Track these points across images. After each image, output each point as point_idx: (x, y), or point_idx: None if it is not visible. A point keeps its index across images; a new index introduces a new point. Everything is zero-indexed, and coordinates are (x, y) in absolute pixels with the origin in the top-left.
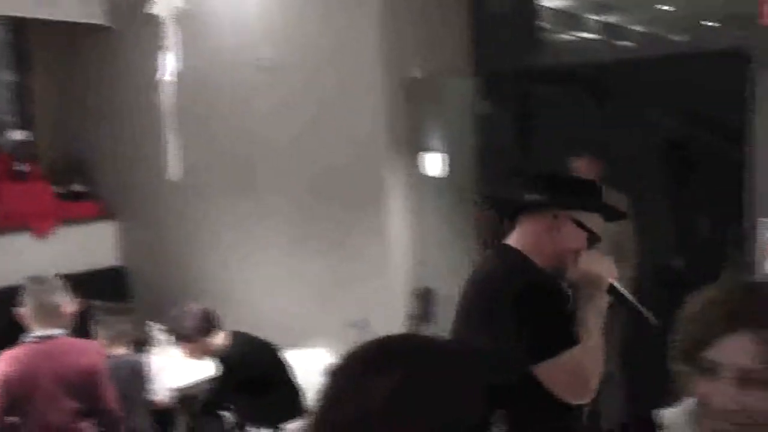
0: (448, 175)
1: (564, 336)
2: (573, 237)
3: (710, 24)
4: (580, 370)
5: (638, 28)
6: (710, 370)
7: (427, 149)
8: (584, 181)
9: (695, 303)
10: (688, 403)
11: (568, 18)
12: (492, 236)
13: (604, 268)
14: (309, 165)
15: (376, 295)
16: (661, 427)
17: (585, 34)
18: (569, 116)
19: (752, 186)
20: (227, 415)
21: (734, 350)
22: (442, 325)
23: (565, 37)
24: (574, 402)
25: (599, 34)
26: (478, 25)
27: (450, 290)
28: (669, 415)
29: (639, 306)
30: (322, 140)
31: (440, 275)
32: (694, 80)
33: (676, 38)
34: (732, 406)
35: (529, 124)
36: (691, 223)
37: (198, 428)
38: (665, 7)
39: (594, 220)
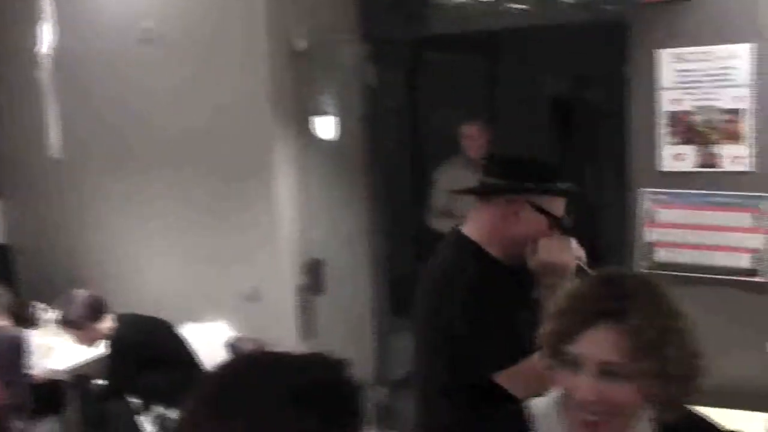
0: (338, 144)
1: (521, 340)
2: (531, 223)
3: None
4: (542, 375)
5: None
6: (573, 363)
7: (317, 117)
8: (542, 162)
9: (560, 297)
10: (556, 393)
11: None
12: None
13: (565, 255)
14: (195, 137)
15: (267, 266)
16: (531, 416)
17: None
18: (461, 82)
19: (630, 156)
20: (131, 398)
21: (595, 343)
22: (333, 295)
23: (457, 1)
24: None
25: None
26: None
27: (340, 260)
28: (538, 404)
29: None
30: (207, 111)
31: (331, 245)
32: (580, 48)
33: (565, 5)
34: (593, 397)
35: (419, 91)
36: (579, 183)
37: (104, 413)
38: None
39: (555, 203)
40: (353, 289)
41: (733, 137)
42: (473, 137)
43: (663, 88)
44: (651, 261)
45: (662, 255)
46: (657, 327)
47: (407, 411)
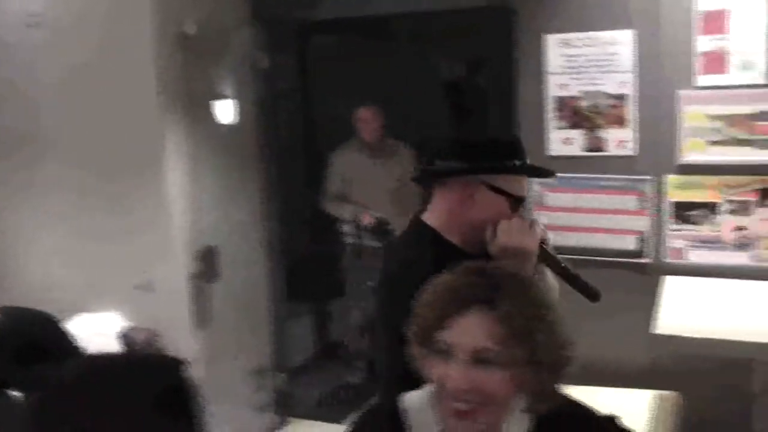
0: (231, 129)
1: None
2: (489, 205)
3: None
4: None
5: None
6: (445, 352)
7: (208, 101)
8: (499, 140)
9: (430, 287)
10: (429, 387)
11: None
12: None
13: (526, 238)
14: (84, 124)
15: (159, 254)
16: (403, 410)
17: None
18: (355, 66)
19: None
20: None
21: (467, 330)
22: (228, 282)
23: None
24: None
25: None
26: None
27: (235, 246)
28: (410, 398)
29: (577, 275)
30: (96, 97)
31: (224, 231)
32: (472, 32)
33: None
34: (465, 385)
35: (314, 75)
36: None
37: None
38: None
39: (515, 182)
40: (248, 276)
41: (619, 122)
42: (367, 121)
43: (550, 73)
44: None
45: (551, 238)
46: (527, 315)
47: (306, 397)
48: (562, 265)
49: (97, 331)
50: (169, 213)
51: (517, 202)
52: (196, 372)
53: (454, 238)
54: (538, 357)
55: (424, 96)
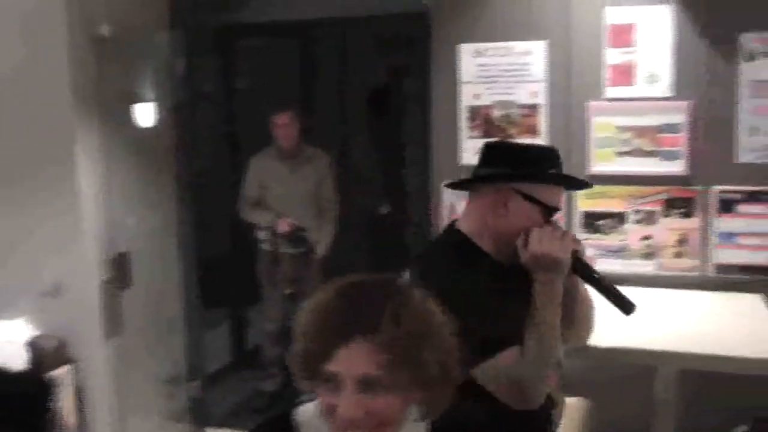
0: (147, 133)
1: (502, 333)
2: (520, 213)
3: None
4: (516, 374)
5: None
6: (332, 382)
7: (124, 105)
8: (533, 148)
9: (307, 314)
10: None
11: None
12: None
13: (557, 247)
14: None
15: (70, 260)
16: (296, 424)
17: None
18: (276, 70)
19: (434, 149)
20: None
21: (351, 358)
22: (142, 289)
23: None
24: (518, 408)
25: None
26: None
27: (149, 252)
28: (304, 411)
29: (614, 288)
30: (6, 99)
31: (139, 237)
32: (393, 38)
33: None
34: (356, 414)
35: (234, 79)
36: (396, 171)
37: None
38: None
39: (548, 191)
40: (163, 282)
41: (531, 131)
42: (284, 127)
43: (464, 82)
44: None
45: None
46: (410, 334)
47: (221, 405)
48: (596, 276)
49: (5, 339)
50: (80, 218)
51: (550, 212)
52: (107, 381)
53: (485, 246)
54: (426, 374)
55: (347, 101)
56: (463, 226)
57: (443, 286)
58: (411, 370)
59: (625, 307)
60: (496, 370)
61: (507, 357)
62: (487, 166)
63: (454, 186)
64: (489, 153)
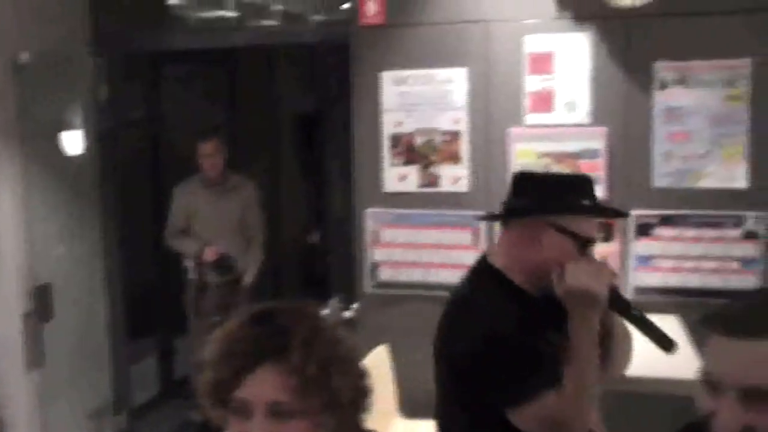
0: (71, 162)
1: (539, 374)
2: (555, 247)
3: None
4: (558, 415)
5: (279, 6)
6: (242, 409)
7: (47, 132)
8: (567, 178)
9: (215, 343)
10: None
11: None
12: None
13: (593, 281)
14: None
15: None
16: None
17: (222, 13)
18: (203, 98)
19: (356, 177)
20: None
21: (260, 385)
22: (66, 320)
23: (198, 16)
24: None
25: (238, 11)
26: (99, 2)
27: (72, 283)
28: None
29: (653, 324)
30: None
31: (62, 268)
32: (320, 66)
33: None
34: None
35: (161, 106)
36: (327, 199)
37: None
38: None
39: (583, 223)
40: (89, 313)
41: (453, 158)
42: (209, 155)
43: (386, 110)
44: (376, 280)
45: (387, 274)
46: (319, 360)
47: None
48: (635, 312)
49: None
50: (1, 249)
51: (585, 244)
52: (30, 414)
53: (517, 278)
54: (336, 399)
55: (275, 129)
56: (497, 261)
57: (483, 330)
58: (322, 395)
59: (666, 344)
60: (537, 412)
61: (547, 398)
62: (518, 197)
63: (486, 219)
64: (520, 184)
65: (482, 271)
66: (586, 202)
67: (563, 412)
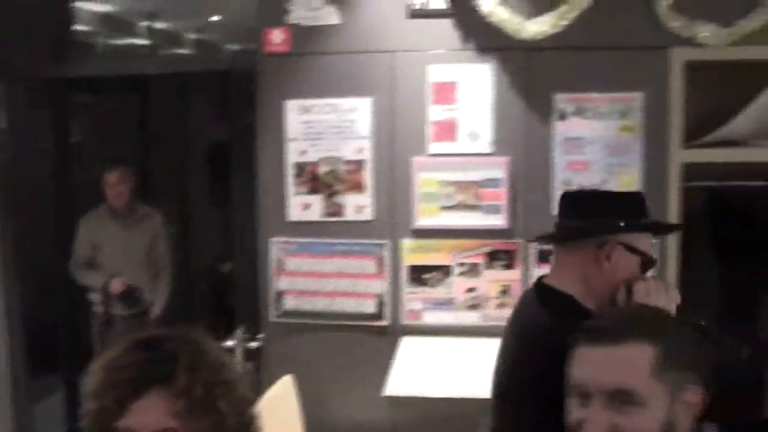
0: None
1: None
2: (624, 265)
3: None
4: None
5: (192, 35)
6: None
7: None
8: (628, 195)
9: (97, 372)
10: None
11: (114, 23)
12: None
13: (664, 300)
14: None
15: None
16: None
17: (134, 40)
18: (111, 126)
19: (261, 206)
20: None
21: (146, 412)
22: None
23: (107, 43)
24: None
25: (150, 40)
26: (2, 28)
27: None
28: None
29: (721, 335)
30: None
31: None
32: (229, 94)
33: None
34: None
35: (68, 134)
36: (239, 228)
37: None
38: (216, 18)
39: (643, 240)
40: None
41: (356, 187)
42: (115, 185)
43: (290, 139)
44: (281, 309)
45: (292, 303)
46: (205, 384)
47: None
48: (702, 325)
49: None
50: None
51: (649, 262)
52: None
53: (588, 302)
54: (224, 424)
55: (184, 157)
56: (560, 283)
57: (559, 354)
58: (208, 419)
59: (732, 352)
60: None
61: None
62: (572, 217)
63: (544, 241)
64: (572, 204)
65: (551, 298)
66: (646, 220)
67: None
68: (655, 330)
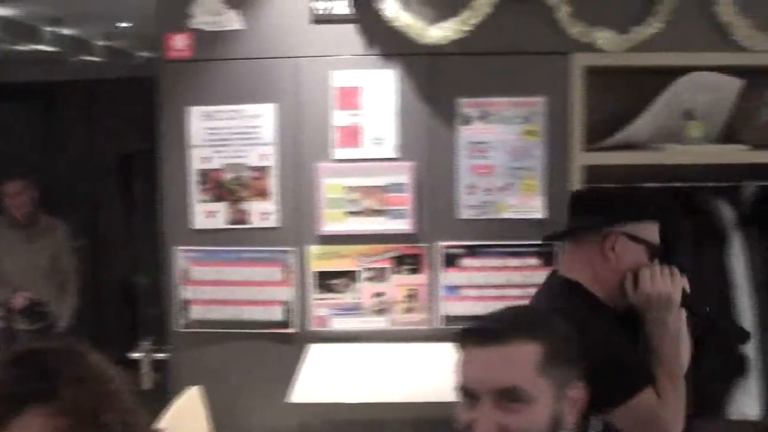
0: None
1: (633, 376)
2: (630, 254)
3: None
4: (654, 415)
5: (100, 42)
6: None
7: None
8: (626, 191)
9: None
10: None
11: (16, 28)
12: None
13: (669, 285)
14: None
15: None
16: None
17: (41, 47)
18: (13, 135)
19: (165, 214)
20: None
21: (26, 429)
22: None
23: (14, 50)
24: None
25: (58, 47)
26: None
27: None
28: None
29: (722, 320)
30: None
31: None
32: (137, 101)
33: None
34: None
35: None
36: (147, 238)
37: None
38: (125, 24)
39: (649, 229)
40: None
41: (261, 194)
42: (16, 195)
43: (194, 145)
44: (188, 319)
45: (198, 312)
46: (90, 396)
47: None
48: (706, 310)
49: None
50: None
51: (654, 251)
52: None
53: (598, 292)
54: None
55: (93, 166)
56: (572, 273)
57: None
58: None
59: (740, 335)
60: (637, 412)
61: (645, 397)
62: (585, 215)
63: (554, 239)
64: (579, 202)
65: (568, 290)
66: (651, 209)
67: (665, 412)
68: (539, 329)
